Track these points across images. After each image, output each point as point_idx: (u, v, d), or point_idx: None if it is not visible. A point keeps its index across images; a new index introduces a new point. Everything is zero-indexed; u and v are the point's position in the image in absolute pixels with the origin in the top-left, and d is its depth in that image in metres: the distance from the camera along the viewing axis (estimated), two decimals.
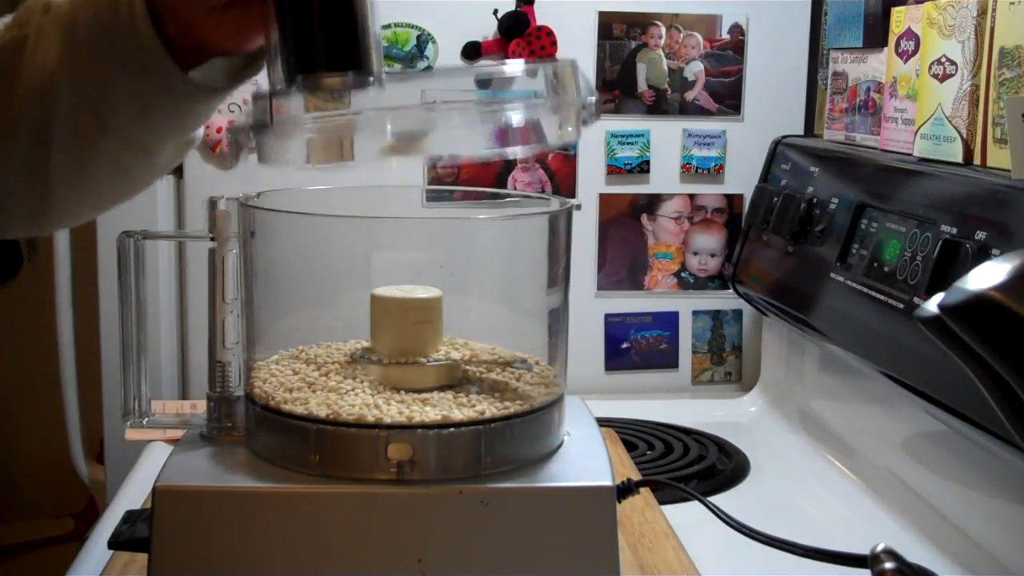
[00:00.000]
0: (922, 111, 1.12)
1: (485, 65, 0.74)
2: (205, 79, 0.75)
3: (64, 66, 0.74)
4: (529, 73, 0.73)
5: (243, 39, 0.73)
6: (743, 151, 1.51)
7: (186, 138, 0.80)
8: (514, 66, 0.72)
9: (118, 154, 0.78)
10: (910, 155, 1.14)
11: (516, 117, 0.68)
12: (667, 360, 1.55)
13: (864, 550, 0.64)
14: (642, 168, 1.51)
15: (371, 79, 0.69)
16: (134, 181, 0.82)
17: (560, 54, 1.47)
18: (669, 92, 1.50)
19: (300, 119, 0.68)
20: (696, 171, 1.52)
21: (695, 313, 1.55)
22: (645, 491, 0.96)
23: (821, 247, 1.23)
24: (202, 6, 0.71)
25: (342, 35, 0.68)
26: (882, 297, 1.06)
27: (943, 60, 1.08)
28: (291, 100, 0.68)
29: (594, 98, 0.71)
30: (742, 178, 1.51)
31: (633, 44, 1.49)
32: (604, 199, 1.52)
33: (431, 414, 0.70)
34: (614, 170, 1.51)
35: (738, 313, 1.56)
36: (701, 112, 1.51)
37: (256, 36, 0.72)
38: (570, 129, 0.70)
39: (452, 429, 0.69)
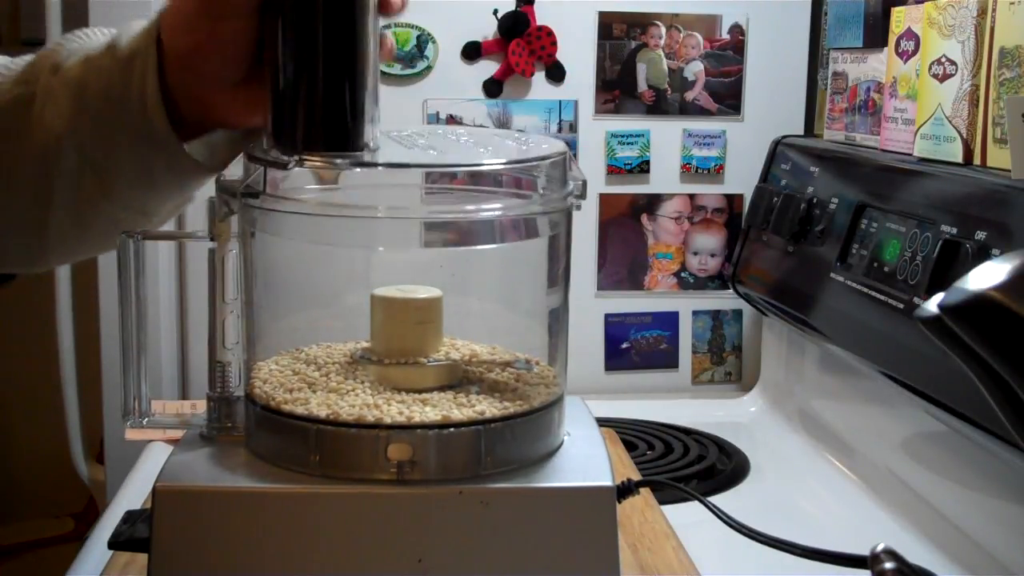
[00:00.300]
0: (922, 111, 1.12)
1: (480, 161, 0.77)
2: (206, 153, 0.76)
3: (71, 130, 0.74)
4: (523, 171, 0.75)
5: (251, 115, 0.74)
6: (743, 151, 1.52)
7: (184, 199, 0.82)
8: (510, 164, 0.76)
9: (117, 216, 0.78)
10: (910, 155, 1.14)
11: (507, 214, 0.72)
12: (667, 360, 1.55)
13: (864, 550, 0.64)
14: (642, 168, 1.51)
15: (362, 152, 0.71)
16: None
17: (560, 54, 1.47)
18: (669, 92, 1.50)
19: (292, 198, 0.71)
20: (696, 171, 1.52)
21: (695, 313, 1.55)
22: (645, 491, 0.96)
23: (821, 247, 1.23)
24: (217, 86, 0.72)
25: (339, 117, 0.70)
26: (882, 297, 1.06)
27: (943, 60, 1.08)
28: (284, 174, 0.71)
29: (583, 180, 0.74)
30: (742, 178, 1.51)
31: (633, 44, 1.49)
32: (604, 199, 1.52)
33: (431, 414, 0.70)
34: (614, 170, 1.51)
35: (738, 313, 1.56)
36: (701, 112, 1.51)
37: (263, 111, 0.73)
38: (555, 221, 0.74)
39: (452, 429, 0.69)
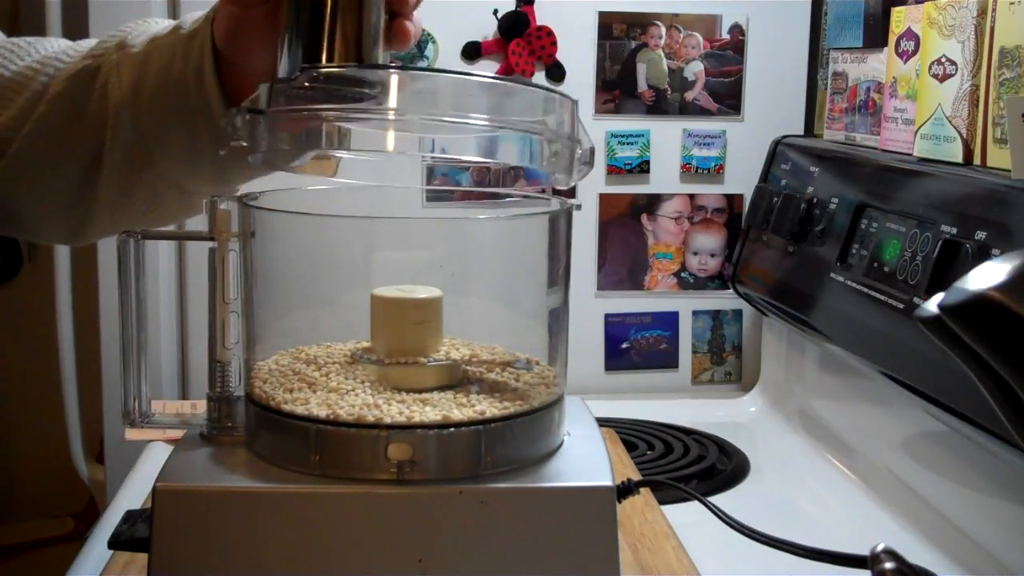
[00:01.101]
0: (922, 111, 1.12)
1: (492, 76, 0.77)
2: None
3: (129, 103, 0.81)
4: (536, 97, 0.75)
5: None
6: (743, 151, 1.52)
7: (222, 186, 0.87)
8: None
9: (157, 188, 0.85)
10: (910, 155, 1.14)
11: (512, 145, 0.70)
12: (667, 360, 1.55)
13: (864, 550, 0.64)
14: (642, 168, 1.51)
15: (374, 87, 0.71)
16: (168, 213, 0.90)
17: (560, 54, 1.47)
18: (669, 92, 1.51)
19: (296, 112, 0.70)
20: (696, 171, 1.52)
21: (695, 313, 1.55)
22: (645, 491, 0.96)
23: (821, 247, 1.23)
24: (258, 58, 0.77)
25: (346, 31, 0.73)
26: (882, 297, 1.06)
27: (943, 60, 1.08)
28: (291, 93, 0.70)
29: (591, 146, 0.73)
30: (742, 178, 1.51)
31: (633, 44, 1.49)
32: (604, 199, 1.52)
33: (431, 414, 0.70)
34: (614, 170, 1.51)
35: (738, 313, 1.56)
36: (701, 112, 1.51)
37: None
38: (561, 174, 0.72)
39: (452, 429, 0.69)
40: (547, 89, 0.75)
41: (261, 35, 0.76)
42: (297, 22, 0.74)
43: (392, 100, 0.70)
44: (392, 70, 0.72)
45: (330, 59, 0.73)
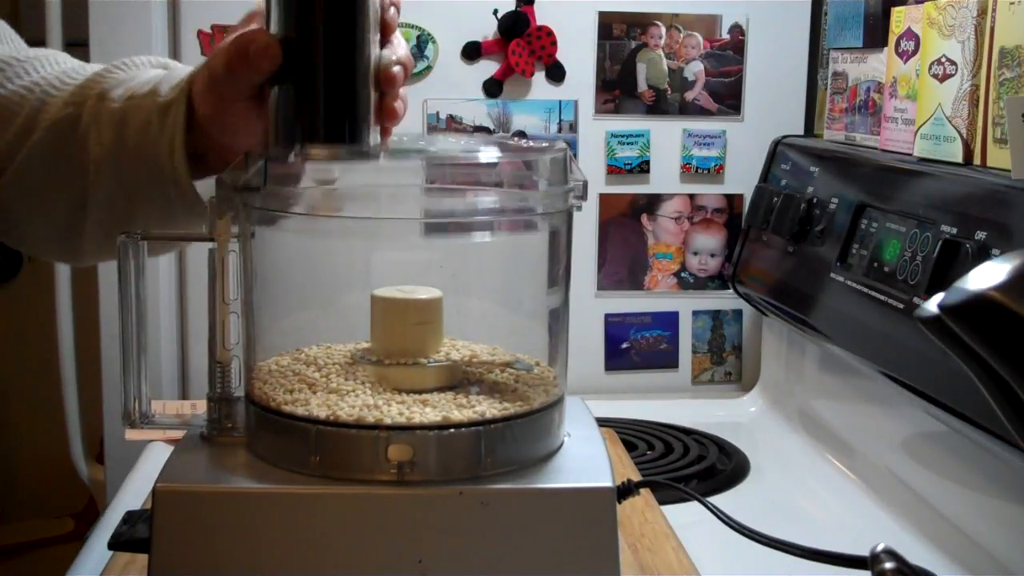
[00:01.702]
0: (922, 111, 1.12)
1: (477, 149, 0.80)
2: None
3: (111, 158, 0.82)
4: (524, 166, 0.77)
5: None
6: (743, 151, 1.52)
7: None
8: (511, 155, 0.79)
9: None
10: (910, 155, 1.14)
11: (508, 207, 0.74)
12: (667, 360, 1.55)
13: (864, 550, 0.64)
14: (642, 168, 1.51)
15: (366, 152, 0.76)
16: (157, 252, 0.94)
17: (560, 54, 1.47)
18: (669, 92, 1.50)
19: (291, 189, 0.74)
20: (696, 171, 1.52)
21: (695, 313, 1.55)
22: (645, 491, 0.96)
23: (821, 247, 1.23)
24: (235, 138, 0.79)
25: (340, 112, 0.75)
26: (882, 297, 1.06)
27: (943, 60, 1.08)
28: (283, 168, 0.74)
29: (583, 181, 0.76)
30: (742, 178, 1.51)
31: (633, 44, 1.49)
32: (604, 199, 1.52)
33: (431, 415, 0.70)
34: (614, 170, 1.51)
35: (738, 313, 1.56)
36: (701, 112, 1.51)
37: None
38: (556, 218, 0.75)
39: (452, 430, 0.69)
40: (537, 148, 0.78)
41: (246, 119, 0.77)
42: (287, 102, 0.75)
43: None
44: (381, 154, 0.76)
45: (323, 138, 0.75)
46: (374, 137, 0.77)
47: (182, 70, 0.84)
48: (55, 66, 0.88)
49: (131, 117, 0.82)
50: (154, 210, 0.83)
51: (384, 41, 0.77)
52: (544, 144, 0.79)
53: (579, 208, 0.77)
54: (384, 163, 0.77)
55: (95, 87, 0.84)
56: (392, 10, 0.77)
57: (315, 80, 0.74)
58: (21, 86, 0.86)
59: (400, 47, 0.77)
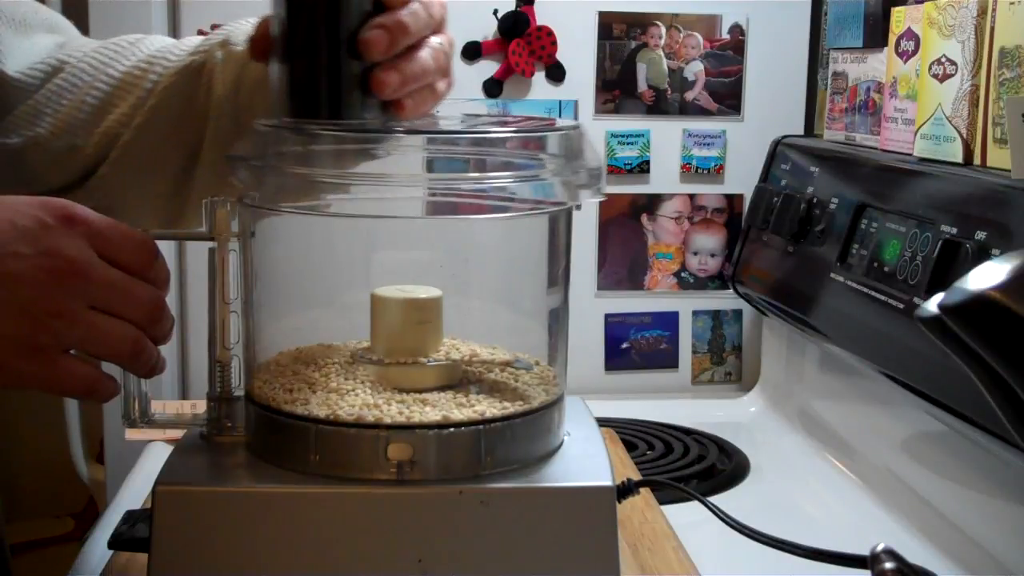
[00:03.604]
0: (922, 111, 1.12)
1: (488, 128, 0.78)
2: None
3: (231, 97, 0.85)
4: (537, 141, 0.75)
5: None
6: (743, 151, 1.51)
7: None
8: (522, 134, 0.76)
9: None
10: (910, 155, 1.14)
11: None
12: (667, 360, 1.55)
13: (864, 550, 0.64)
14: (642, 168, 1.51)
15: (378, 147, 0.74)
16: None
17: (560, 54, 1.47)
18: (669, 92, 1.50)
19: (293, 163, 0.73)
20: (696, 171, 1.52)
21: (695, 313, 1.55)
22: (645, 491, 0.96)
23: (821, 247, 1.23)
24: None
25: (313, 85, 0.74)
26: (882, 297, 1.06)
27: (943, 60, 1.08)
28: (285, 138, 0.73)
29: (598, 166, 0.73)
30: (742, 178, 1.51)
31: (633, 44, 1.49)
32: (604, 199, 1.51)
33: (431, 414, 0.70)
34: (614, 170, 1.51)
35: (738, 313, 1.56)
36: (701, 112, 1.51)
37: None
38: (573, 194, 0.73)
39: (452, 429, 0.69)
40: (552, 127, 0.76)
41: None
42: (274, 78, 0.76)
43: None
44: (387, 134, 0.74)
45: (298, 113, 0.74)
46: (371, 112, 0.74)
47: None
48: (166, 42, 0.91)
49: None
50: None
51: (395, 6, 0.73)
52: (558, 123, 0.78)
53: (579, 208, 0.76)
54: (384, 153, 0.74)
55: (218, 37, 0.87)
56: None
57: (292, 54, 0.74)
58: (137, 63, 0.88)
59: (402, 12, 0.73)
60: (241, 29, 0.87)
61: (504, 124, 0.81)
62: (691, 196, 1.53)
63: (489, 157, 0.72)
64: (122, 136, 0.87)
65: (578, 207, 0.77)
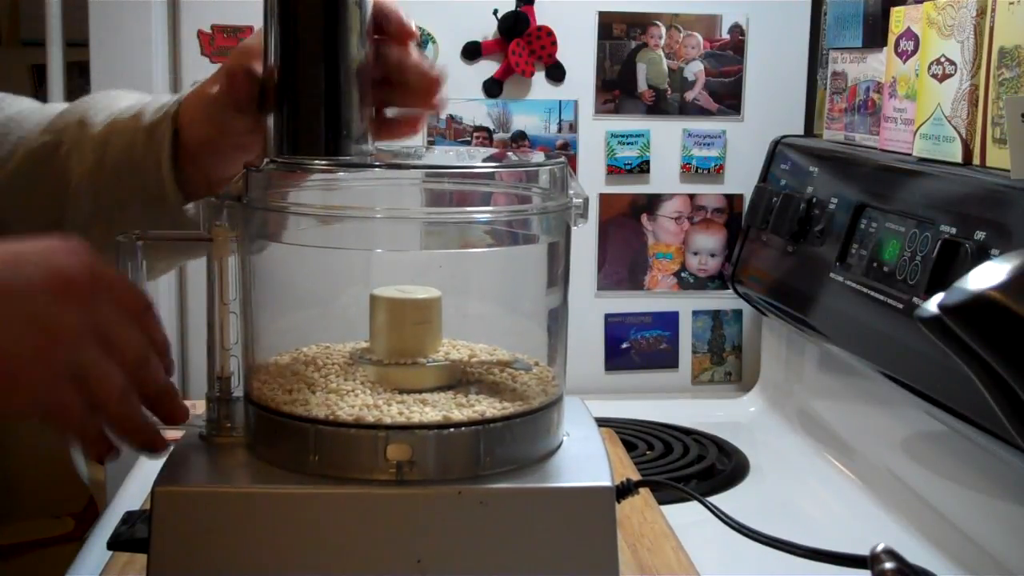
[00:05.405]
0: (921, 111, 1.12)
1: (480, 163, 0.81)
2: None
3: (90, 180, 0.83)
4: (526, 175, 0.78)
5: None
6: (743, 151, 1.51)
7: (181, 259, 0.91)
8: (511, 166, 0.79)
9: None
10: (909, 155, 1.14)
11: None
12: (667, 360, 1.55)
13: (864, 550, 0.64)
14: (642, 168, 1.51)
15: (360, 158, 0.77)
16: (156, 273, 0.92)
17: (560, 54, 1.47)
18: (669, 92, 1.50)
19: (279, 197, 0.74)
20: (696, 171, 1.52)
21: (695, 313, 1.55)
22: (645, 491, 0.96)
23: (821, 247, 1.23)
24: (225, 165, 0.80)
25: (314, 123, 0.76)
26: (882, 297, 1.06)
27: (942, 60, 1.08)
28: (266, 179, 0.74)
29: (583, 199, 0.77)
30: (742, 178, 1.51)
31: (633, 44, 1.49)
32: (604, 199, 1.52)
33: (430, 415, 0.70)
34: (614, 170, 1.51)
35: (738, 313, 1.56)
36: (701, 112, 1.51)
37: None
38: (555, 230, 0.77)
39: (451, 429, 0.69)
40: (535, 164, 0.78)
41: (240, 148, 0.79)
42: (274, 117, 0.77)
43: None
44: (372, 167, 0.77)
45: (297, 151, 0.76)
46: (371, 146, 0.78)
47: (166, 96, 0.86)
48: (24, 103, 0.89)
49: (114, 138, 0.83)
50: (136, 227, 0.83)
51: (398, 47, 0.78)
52: (541, 156, 0.80)
53: (582, 220, 0.79)
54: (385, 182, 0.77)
55: (74, 115, 0.85)
56: (400, 18, 0.78)
57: (292, 95, 0.76)
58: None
59: (423, 60, 0.79)
60: (101, 105, 0.86)
61: (494, 159, 0.85)
62: (691, 196, 1.53)
63: (483, 190, 0.75)
64: None
65: (579, 223, 0.79)
